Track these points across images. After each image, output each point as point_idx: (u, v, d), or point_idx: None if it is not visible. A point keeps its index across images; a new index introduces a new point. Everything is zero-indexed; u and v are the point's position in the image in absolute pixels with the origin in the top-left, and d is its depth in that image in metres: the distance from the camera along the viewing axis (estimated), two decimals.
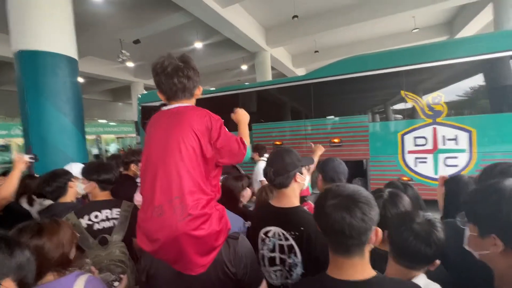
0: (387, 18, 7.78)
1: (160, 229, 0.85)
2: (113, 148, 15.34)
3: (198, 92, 1.08)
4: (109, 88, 15.91)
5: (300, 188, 1.16)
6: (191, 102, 1.07)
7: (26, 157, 1.98)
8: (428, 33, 10.26)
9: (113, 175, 1.58)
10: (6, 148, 11.43)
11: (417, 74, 4.25)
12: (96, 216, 1.46)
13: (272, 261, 1.08)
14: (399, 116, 4.46)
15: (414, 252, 0.83)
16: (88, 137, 16.38)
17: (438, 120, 4.06)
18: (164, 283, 0.91)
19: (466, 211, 0.80)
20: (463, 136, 3.93)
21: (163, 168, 0.89)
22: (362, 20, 7.96)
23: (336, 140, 4.74)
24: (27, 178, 2.40)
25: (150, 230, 0.88)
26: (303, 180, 1.13)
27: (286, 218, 1.08)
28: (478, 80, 3.96)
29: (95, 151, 14.08)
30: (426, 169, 4.16)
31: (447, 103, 4.04)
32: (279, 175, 1.08)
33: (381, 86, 4.65)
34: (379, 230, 0.71)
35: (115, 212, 1.49)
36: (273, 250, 1.08)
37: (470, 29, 8.97)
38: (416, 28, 9.66)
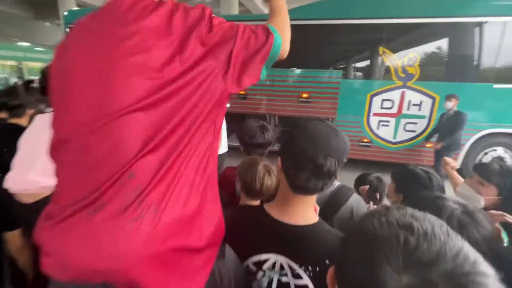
0: None
1: None
2: None
3: None
4: None
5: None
6: None
7: None
8: None
9: None
10: None
11: (403, 30, 3.91)
12: None
13: None
14: (372, 75, 4.22)
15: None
16: (3, 62, 13.13)
17: (408, 84, 3.93)
18: None
19: None
20: (427, 102, 3.92)
21: None
22: None
23: (305, 95, 4.38)
24: None
25: None
26: None
27: (300, 243, 0.65)
28: (450, 44, 3.83)
29: (14, 81, 11.46)
30: (386, 132, 4.18)
31: (420, 66, 3.88)
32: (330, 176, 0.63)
33: (359, 38, 4.26)
34: None
35: None
36: None
37: None
38: None
